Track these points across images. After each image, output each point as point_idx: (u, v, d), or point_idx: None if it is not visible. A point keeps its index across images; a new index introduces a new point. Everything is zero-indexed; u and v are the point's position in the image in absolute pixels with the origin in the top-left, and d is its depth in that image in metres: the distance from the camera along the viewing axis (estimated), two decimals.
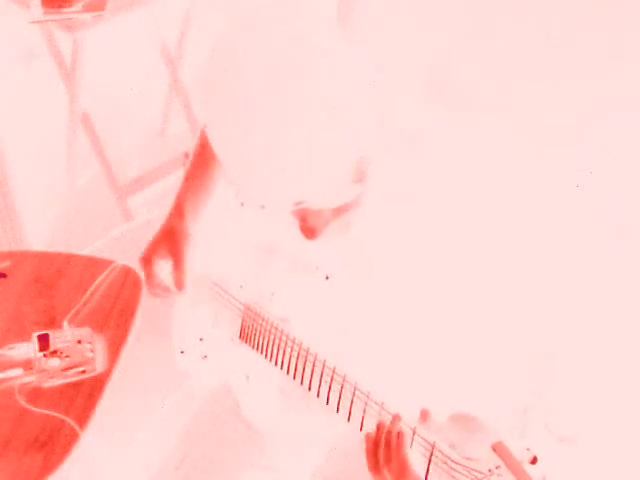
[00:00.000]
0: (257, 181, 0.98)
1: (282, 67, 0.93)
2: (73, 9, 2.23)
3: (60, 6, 2.23)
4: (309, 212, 1.05)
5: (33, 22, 2.26)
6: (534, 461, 0.82)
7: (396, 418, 0.97)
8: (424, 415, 0.95)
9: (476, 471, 0.85)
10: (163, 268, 1.26)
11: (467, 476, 0.86)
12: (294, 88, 0.92)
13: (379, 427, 0.98)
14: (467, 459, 0.87)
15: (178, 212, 1.30)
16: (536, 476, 0.81)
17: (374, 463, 0.97)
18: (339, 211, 1.07)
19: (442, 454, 0.90)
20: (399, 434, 0.95)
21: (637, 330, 2.05)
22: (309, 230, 1.08)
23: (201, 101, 1.02)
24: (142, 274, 1.29)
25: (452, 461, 0.88)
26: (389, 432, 0.96)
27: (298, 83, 0.92)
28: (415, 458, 0.92)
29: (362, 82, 0.97)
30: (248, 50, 0.95)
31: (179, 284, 1.25)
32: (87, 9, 2.24)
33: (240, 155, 0.97)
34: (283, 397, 1.22)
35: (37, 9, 2.23)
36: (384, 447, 0.96)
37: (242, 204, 1.19)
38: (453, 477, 0.88)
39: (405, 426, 0.95)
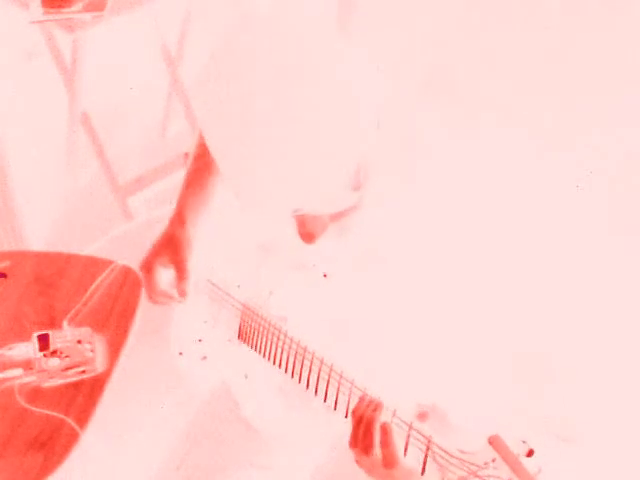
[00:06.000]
0: (255, 189, 0.97)
1: (282, 71, 0.92)
2: (73, 9, 2.23)
3: (60, 6, 2.23)
4: (307, 217, 1.05)
5: (33, 22, 2.25)
6: (530, 454, 0.82)
7: (378, 405, 0.96)
8: (423, 416, 0.95)
9: (472, 464, 0.85)
10: (164, 275, 1.26)
11: (463, 469, 0.86)
12: (294, 92, 0.91)
13: (358, 404, 0.97)
14: (463, 452, 0.87)
15: (179, 219, 1.29)
16: (532, 469, 0.81)
17: (356, 446, 0.96)
18: (338, 216, 1.07)
19: (438, 448, 0.90)
20: (385, 428, 0.94)
21: (636, 330, 2.05)
22: (307, 235, 1.08)
23: (199, 105, 1.00)
24: (142, 280, 1.29)
25: (448, 454, 0.88)
26: (369, 420, 0.95)
27: (298, 87, 0.91)
28: (411, 452, 0.92)
29: (363, 85, 0.96)
30: (247, 54, 0.94)
31: (182, 292, 1.25)
32: (87, 9, 2.24)
33: (238, 162, 0.96)
34: (282, 396, 1.22)
35: (37, 9, 2.23)
36: (362, 436, 0.95)
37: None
38: (449, 470, 0.88)
39: (401, 421, 0.94)
